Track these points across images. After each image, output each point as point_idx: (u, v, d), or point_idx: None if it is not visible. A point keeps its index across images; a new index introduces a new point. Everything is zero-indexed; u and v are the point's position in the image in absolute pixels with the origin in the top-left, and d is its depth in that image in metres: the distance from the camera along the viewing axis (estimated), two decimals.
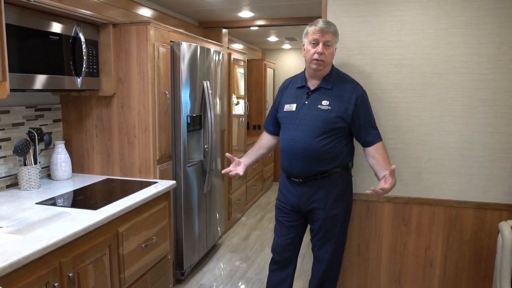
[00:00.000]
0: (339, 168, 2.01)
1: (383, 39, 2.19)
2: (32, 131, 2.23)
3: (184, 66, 2.76)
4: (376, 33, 2.20)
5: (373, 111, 2.09)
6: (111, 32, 2.40)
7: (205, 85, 3.07)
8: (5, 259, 1.30)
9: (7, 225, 1.66)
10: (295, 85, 2.09)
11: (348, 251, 2.36)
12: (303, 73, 2.10)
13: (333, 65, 2.04)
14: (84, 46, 2.17)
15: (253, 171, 5.12)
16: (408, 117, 2.21)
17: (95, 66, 2.35)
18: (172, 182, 2.46)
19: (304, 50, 2.01)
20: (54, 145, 2.43)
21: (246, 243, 3.90)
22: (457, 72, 2.12)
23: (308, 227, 2.17)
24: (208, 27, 4.14)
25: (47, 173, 2.48)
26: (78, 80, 2.19)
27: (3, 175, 2.19)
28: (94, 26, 2.34)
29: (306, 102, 2.00)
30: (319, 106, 1.97)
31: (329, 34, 1.91)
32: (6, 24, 1.68)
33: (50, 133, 2.40)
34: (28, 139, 2.20)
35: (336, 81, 2.00)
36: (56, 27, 2.03)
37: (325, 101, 1.97)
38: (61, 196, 2.10)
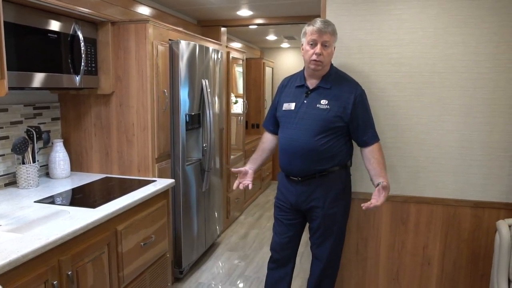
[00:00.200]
0: (338, 167, 2.01)
1: (382, 38, 2.19)
2: (31, 129, 2.23)
3: (182, 64, 2.76)
4: (375, 32, 2.20)
5: (372, 110, 2.09)
6: (109, 30, 2.39)
7: (203, 83, 3.07)
8: (4, 258, 1.30)
9: (5, 224, 1.66)
10: (294, 84, 2.09)
11: (346, 249, 2.36)
12: (302, 72, 2.10)
13: (332, 64, 2.04)
14: (82, 44, 2.17)
15: None
16: (406, 116, 2.21)
17: (93, 65, 2.34)
18: (171, 180, 2.46)
19: (302, 49, 2.00)
20: (52, 143, 2.43)
21: (245, 241, 3.90)
22: (455, 71, 2.12)
23: (307, 225, 2.17)
24: (207, 25, 4.13)
25: (46, 172, 2.47)
26: (77, 78, 2.18)
27: (1, 173, 2.18)
28: (92, 24, 2.34)
29: (305, 101, 2.00)
30: (317, 105, 1.97)
31: (327, 34, 1.91)
32: (4, 22, 1.67)
33: (48, 132, 2.40)
34: (27, 137, 2.19)
35: (335, 81, 2.00)
36: (55, 25, 2.02)
37: (324, 101, 1.97)
38: (60, 194, 2.09)
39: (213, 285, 2.99)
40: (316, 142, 1.94)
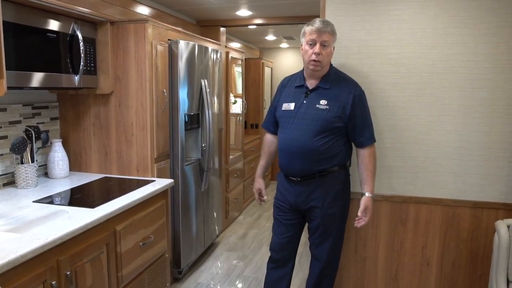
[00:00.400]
0: (337, 167, 2.01)
1: (382, 38, 2.20)
2: (29, 129, 2.22)
3: (182, 64, 2.76)
4: (375, 32, 2.20)
5: (371, 110, 2.10)
6: (108, 30, 2.39)
7: (203, 83, 3.07)
8: (2, 258, 1.29)
9: (4, 224, 1.66)
10: (294, 84, 2.09)
11: (345, 249, 2.36)
12: (301, 72, 2.10)
13: (331, 65, 2.04)
14: (81, 44, 2.17)
15: (251, 170, 5.12)
16: (405, 116, 2.22)
17: (92, 64, 2.34)
18: (170, 180, 2.46)
19: (302, 50, 2.01)
20: (51, 143, 2.42)
21: (244, 241, 3.90)
22: (454, 71, 2.13)
23: (306, 225, 2.17)
24: (206, 25, 4.13)
25: (44, 172, 2.47)
26: (76, 78, 2.18)
27: (0, 173, 2.18)
28: (91, 24, 2.33)
29: (305, 102, 2.01)
30: (317, 105, 1.97)
31: (326, 34, 1.91)
32: (3, 22, 1.67)
33: (47, 131, 2.39)
34: (25, 137, 2.19)
35: (334, 81, 2.00)
36: (54, 25, 2.02)
37: (323, 101, 1.97)
38: (59, 194, 2.09)
39: (212, 285, 2.99)
40: (316, 143, 1.94)
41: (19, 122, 2.27)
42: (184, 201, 2.90)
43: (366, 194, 2.02)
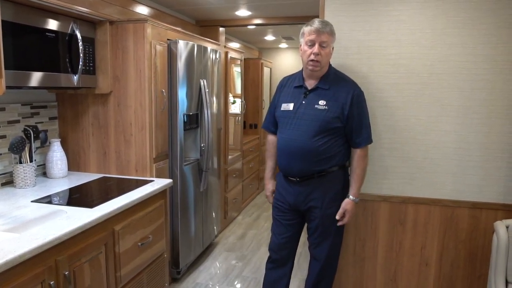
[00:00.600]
0: (336, 167, 2.01)
1: (381, 39, 2.20)
2: (28, 128, 2.22)
3: (181, 64, 2.75)
4: (374, 33, 2.20)
5: (370, 111, 2.10)
6: (108, 30, 2.39)
7: (202, 83, 3.07)
8: (0, 257, 1.29)
9: (2, 223, 1.65)
10: (293, 84, 2.09)
11: (344, 250, 2.37)
12: (300, 72, 2.09)
13: (330, 65, 2.04)
14: (80, 43, 2.16)
15: (250, 170, 5.12)
16: (404, 117, 2.22)
17: (91, 64, 2.33)
18: (169, 180, 2.45)
19: (301, 50, 2.00)
20: (50, 143, 2.42)
21: (242, 242, 3.90)
22: (453, 72, 2.13)
23: (305, 225, 2.17)
24: (205, 25, 4.13)
25: (43, 171, 2.46)
26: (75, 77, 2.18)
27: None
28: (90, 23, 2.33)
29: (304, 102, 2.00)
30: (316, 106, 1.97)
31: (325, 35, 1.91)
32: (2, 21, 1.67)
33: (46, 131, 2.39)
34: (24, 136, 2.18)
35: (333, 81, 2.00)
36: (53, 24, 2.01)
37: (322, 101, 1.97)
38: (57, 194, 2.09)
39: (210, 286, 2.99)
40: (315, 143, 1.94)
41: (17, 121, 2.27)
42: (183, 201, 2.89)
43: (350, 197, 2.03)
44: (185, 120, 2.85)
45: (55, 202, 1.94)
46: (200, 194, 3.18)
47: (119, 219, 1.92)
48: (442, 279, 2.30)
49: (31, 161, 2.20)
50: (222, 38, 4.17)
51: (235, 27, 4.30)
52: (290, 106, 2.03)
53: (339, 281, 2.41)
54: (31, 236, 1.47)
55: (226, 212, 4.24)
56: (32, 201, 1.93)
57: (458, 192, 2.20)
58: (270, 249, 2.22)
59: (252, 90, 5.67)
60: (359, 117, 1.98)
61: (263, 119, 2.38)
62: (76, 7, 2.09)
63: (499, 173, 2.14)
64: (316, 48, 1.91)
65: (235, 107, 4.60)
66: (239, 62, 4.58)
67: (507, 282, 1.86)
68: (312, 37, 1.91)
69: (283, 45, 6.25)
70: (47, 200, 1.97)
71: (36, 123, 2.39)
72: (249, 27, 4.31)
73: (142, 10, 3.13)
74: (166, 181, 2.42)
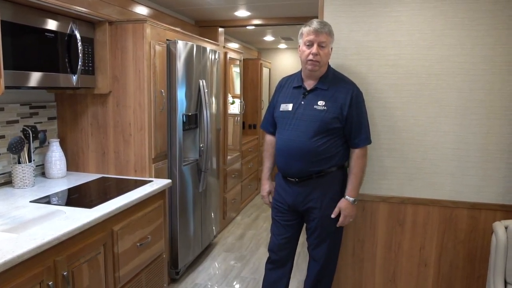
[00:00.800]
0: (335, 168, 2.01)
1: (380, 40, 2.20)
2: (27, 128, 2.21)
3: (180, 64, 2.75)
4: (373, 34, 2.21)
5: (369, 111, 2.10)
6: (107, 30, 2.38)
7: (201, 84, 3.07)
8: None
9: (1, 224, 1.65)
10: (292, 85, 2.09)
11: (343, 250, 2.37)
12: (299, 73, 2.10)
13: (329, 66, 2.05)
14: (79, 43, 2.16)
15: (249, 171, 5.12)
16: (403, 118, 2.22)
17: (90, 64, 2.33)
18: (168, 181, 2.45)
19: (299, 51, 2.01)
20: (48, 143, 2.42)
21: (241, 242, 3.90)
22: (452, 73, 2.13)
23: (304, 226, 2.17)
24: (205, 26, 4.13)
25: (42, 171, 2.46)
26: (74, 77, 2.17)
27: None
28: (90, 23, 2.33)
29: (302, 102, 2.01)
30: (315, 106, 1.97)
31: (324, 35, 1.91)
32: (1, 21, 1.67)
33: (44, 131, 2.39)
34: (23, 136, 2.18)
35: (332, 82, 2.00)
36: (52, 24, 2.01)
37: (321, 102, 1.97)
38: (56, 194, 2.08)
39: (209, 286, 2.99)
40: (314, 143, 1.94)
41: (16, 121, 2.26)
42: (182, 201, 2.89)
43: (346, 197, 2.03)
44: (184, 120, 2.85)
45: (54, 203, 1.93)
46: (199, 195, 3.18)
47: (118, 220, 1.92)
48: (441, 280, 2.30)
49: (30, 161, 2.20)
50: (221, 38, 4.17)
51: (234, 28, 4.30)
52: (289, 107, 2.03)
53: (338, 282, 2.41)
54: (29, 237, 1.47)
55: (225, 212, 4.24)
56: (30, 201, 1.93)
57: (457, 193, 2.20)
58: (269, 250, 2.22)
59: (251, 90, 5.68)
60: (358, 117, 1.98)
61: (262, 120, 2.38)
62: (75, 7, 2.09)
63: (498, 173, 2.14)
64: (314, 49, 1.91)
65: (234, 108, 4.60)
66: (238, 62, 4.58)
67: (506, 283, 1.86)
68: (311, 37, 1.91)
69: (282, 45, 6.25)
70: (46, 200, 1.96)
71: (35, 123, 2.39)
72: (248, 27, 4.31)
73: (141, 10, 3.13)
74: (165, 182, 2.42)
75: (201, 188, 3.18)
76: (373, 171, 2.28)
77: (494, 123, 2.11)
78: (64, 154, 2.47)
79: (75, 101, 2.57)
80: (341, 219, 2.03)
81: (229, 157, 4.25)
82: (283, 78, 2.20)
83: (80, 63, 2.18)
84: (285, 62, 6.54)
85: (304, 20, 3.41)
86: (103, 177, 2.50)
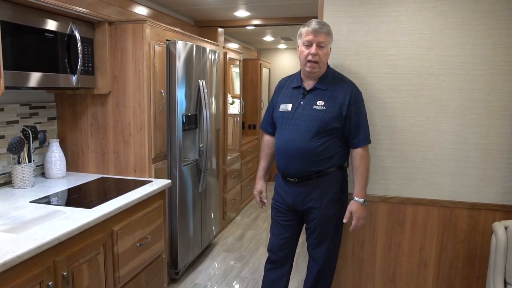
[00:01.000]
0: (335, 168, 2.01)
1: (379, 40, 2.20)
2: (27, 129, 2.21)
3: (179, 64, 2.75)
4: (372, 34, 2.21)
5: (368, 112, 2.10)
6: (106, 30, 2.38)
7: (200, 84, 3.07)
8: None
9: (0, 224, 1.65)
10: (291, 85, 2.09)
11: (342, 250, 2.36)
12: (298, 73, 2.10)
13: (329, 66, 2.05)
14: (79, 44, 2.16)
15: (248, 171, 5.12)
16: (403, 118, 2.22)
17: (90, 64, 2.33)
18: (167, 181, 2.45)
19: (298, 51, 2.01)
20: (48, 143, 2.42)
21: (241, 242, 3.90)
22: (452, 73, 2.13)
23: (304, 226, 2.17)
24: (204, 26, 4.13)
25: (41, 172, 2.46)
26: (73, 78, 2.17)
27: None
28: (89, 24, 2.33)
29: (302, 103, 2.01)
30: (314, 106, 1.97)
31: (323, 35, 1.91)
32: (1, 21, 1.67)
33: (44, 131, 2.39)
34: (22, 137, 2.18)
35: (331, 82, 2.00)
36: (51, 25, 2.01)
37: (320, 102, 1.97)
38: (56, 194, 2.08)
39: (209, 286, 2.99)
40: (313, 143, 1.94)
41: (16, 122, 2.26)
42: (182, 201, 2.89)
43: (355, 198, 2.03)
44: (184, 120, 2.85)
45: (54, 203, 1.93)
46: (198, 195, 3.17)
47: (117, 220, 1.92)
48: (441, 280, 2.30)
49: (29, 161, 2.20)
50: (221, 38, 4.17)
51: (234, 28, 4.30)
52: (289, 107, 2.03)
53: (337, 282, 2.41)
54: (29, 237, 1.47)
55: (225, 212, 4.24)
56: (30, 202, 1.93)
57: (456, 193, 2.20)
58: (269, 250, 2.22)
59: (251, 90, 5.68)
60: (357, 117, 1.98)
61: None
62: (75, 7, 2.09)
63: (497, 174, 2.14)
64: (313, 49, 1.91)
65: (234, 108, 4.60)
66: (237, 62, 4.58)
67: (505, 283, 1.86)
68: (310, 37, 1.91)
69: (282, 45, 6.25)
70: (46, 200, 1.96)
71: (34, 123, 2.39)
72: (248, 27, 4.31)
73: (141, 10, 3.13)
74: (165, 182, 2.42)
75: (200, 188, 3.18)
76: (373, 171, 2.28)
77: (494, 123, 2.11)
78: (64, 154, 2.47)
79: (75, 101, 2.57)
80: (354, 222, 2.03)
81: (228, 157, 4.26)
82: (283, 79, 2.21)
83: (79, 63, 2.18)
84: (284, 62, 6.54)
85: (303, 20, 3.42)
86: (103, 177, 2.50)
